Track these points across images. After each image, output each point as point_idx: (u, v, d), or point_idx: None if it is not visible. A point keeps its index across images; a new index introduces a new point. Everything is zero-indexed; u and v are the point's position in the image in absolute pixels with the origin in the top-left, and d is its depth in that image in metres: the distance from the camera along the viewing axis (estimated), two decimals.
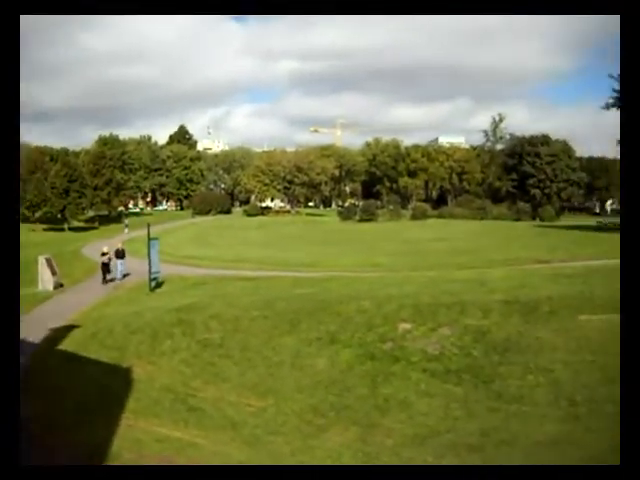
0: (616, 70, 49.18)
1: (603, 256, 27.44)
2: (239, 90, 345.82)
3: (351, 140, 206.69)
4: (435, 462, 11.17)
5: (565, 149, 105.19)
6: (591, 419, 14.57)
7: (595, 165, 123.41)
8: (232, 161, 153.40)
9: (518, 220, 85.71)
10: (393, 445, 12.29)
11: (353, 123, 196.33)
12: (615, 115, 51.44)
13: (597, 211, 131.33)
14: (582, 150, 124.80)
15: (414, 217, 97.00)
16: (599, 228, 53.99)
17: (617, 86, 48.87)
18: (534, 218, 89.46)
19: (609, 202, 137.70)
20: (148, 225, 33.86)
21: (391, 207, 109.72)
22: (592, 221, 63.32)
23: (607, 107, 50.39)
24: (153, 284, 28.86)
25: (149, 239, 29.80)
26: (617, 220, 71.08)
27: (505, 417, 13.92)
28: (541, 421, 14.14)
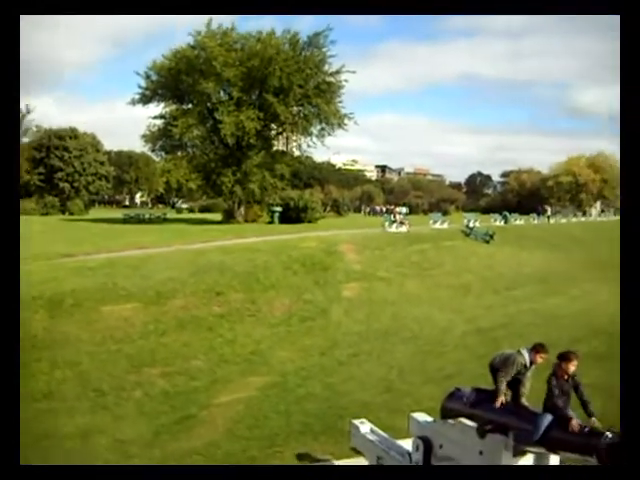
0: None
1: (128, 247, 27.98)
2: None
3: None
4: None
5: (94, 143, 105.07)
6: (119, 407, 14.73)
7: (124, 159, 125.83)
8: None
9: (47, 214, 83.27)
10: None
11: None
12: (142, 111, 52.70)
13: (127, 204, 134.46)
14: (111, 144, 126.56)
15: None
16: (125, 220, 55.11)
17: (143, 83, 49.95)
18: (63, 212, 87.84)
19: (138, 194, 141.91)
20: None
21: None
22: (120, 213, 64.59)
23: (133, 103, 51.11)
24: None
25: None
26: (142, 211, 73.55)
27: (35, 414, 13.47)
28: (71, 414, 13.92)
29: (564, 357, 8.24)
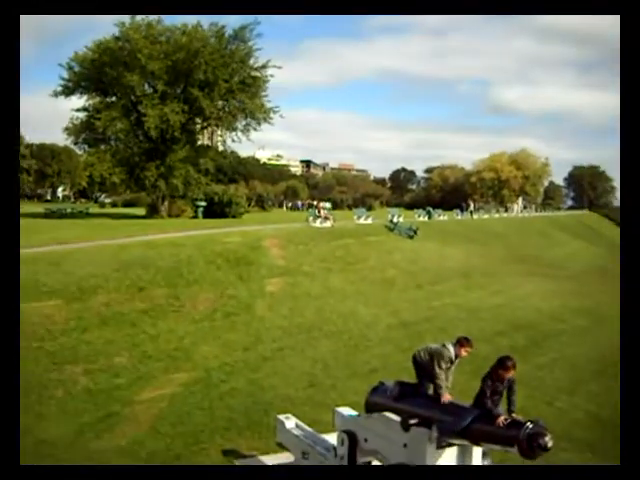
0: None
1: (49, 242, 27.33)
2: None
3: None
4: None
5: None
6: (41, 406, 14.51)
7: (46, 152, 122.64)
8: None
9: None
10: None
11: None
12: (64, 103, 51.22)
13: (49, 198, 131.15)
14: (33, 137, 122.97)
15: None
16: (47, 215, 53.68)
17: (65, 74, 48.62)
18: None
19: (60, 188, 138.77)
20: None
21: None
22: (41, 208, 62.91)
23: (56, 95, 49.76)
24: None
25: None
26: (65, 206, 71.83)
27: None
28: None
29: (503, 366, 8.25)
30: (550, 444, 7.53)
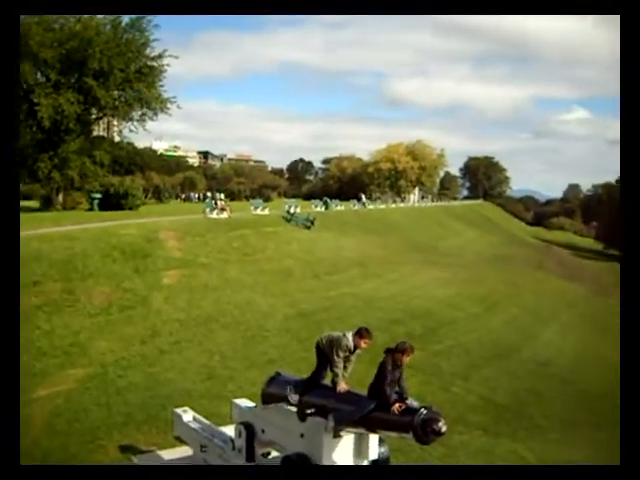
0: None
1: None
2: None
3: None
4: None
5: None
6: None
7: None
8: None
9: None
10: None
11: None
12: None
13: None
14: None
15: None
16: None
17: None
18: None
19: None
20: None
21: None
22: None
23: None
24: None
25: None
26: None
27: None
28: None
29: (403, 350, 8.40)
30: (444, 429, 7.71)
